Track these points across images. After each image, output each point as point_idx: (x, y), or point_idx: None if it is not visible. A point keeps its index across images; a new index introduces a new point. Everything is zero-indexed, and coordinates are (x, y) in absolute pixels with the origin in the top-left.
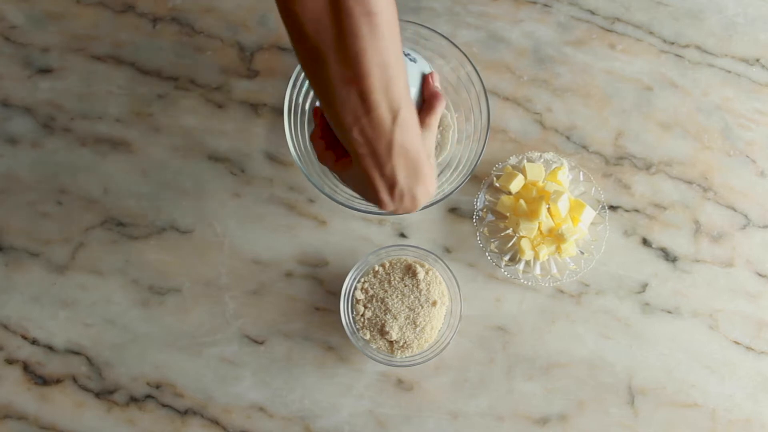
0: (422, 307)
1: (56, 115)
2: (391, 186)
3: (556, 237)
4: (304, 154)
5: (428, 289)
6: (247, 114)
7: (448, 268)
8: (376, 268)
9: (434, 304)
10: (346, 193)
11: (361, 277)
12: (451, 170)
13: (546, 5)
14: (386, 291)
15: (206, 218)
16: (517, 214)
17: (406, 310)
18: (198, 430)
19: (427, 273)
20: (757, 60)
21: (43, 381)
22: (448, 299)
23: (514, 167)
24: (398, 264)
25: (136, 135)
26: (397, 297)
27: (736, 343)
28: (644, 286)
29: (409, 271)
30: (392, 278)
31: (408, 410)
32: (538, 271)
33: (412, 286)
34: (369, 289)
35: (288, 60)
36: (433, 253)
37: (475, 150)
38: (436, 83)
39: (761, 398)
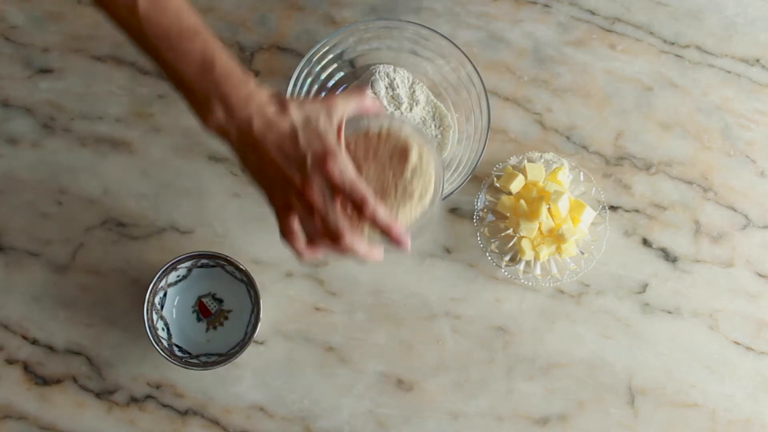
0: (395, 192)
1: (56, 115)
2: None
3: (557, 237)
4: None
5: (411, 179)
6: None
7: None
8: (371, 132)
9: (410, 197)
10: None
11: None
12: (452, 170)
13: (546, 5)
14: (367, 157)
15: (206, 218)
16: (518, 214)
17: (379, 187)
18: (198, 430)
19: (420, 159)
20: (757, 60)
21: (44, 381)
22: (429, 200)
23: (514, 167)
24: (395, 140)
25: (136, 135)
26: (374, 170)
27: (736, 343)
28: (644, 286)
29: (403, 153)
30: (380, 149)
31: (408, 410)
32: (538, 271)
33: (397, 166)
34: (351, 145)
35: (288, 60)
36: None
37: (475, 150)
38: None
39: (761, 398)
